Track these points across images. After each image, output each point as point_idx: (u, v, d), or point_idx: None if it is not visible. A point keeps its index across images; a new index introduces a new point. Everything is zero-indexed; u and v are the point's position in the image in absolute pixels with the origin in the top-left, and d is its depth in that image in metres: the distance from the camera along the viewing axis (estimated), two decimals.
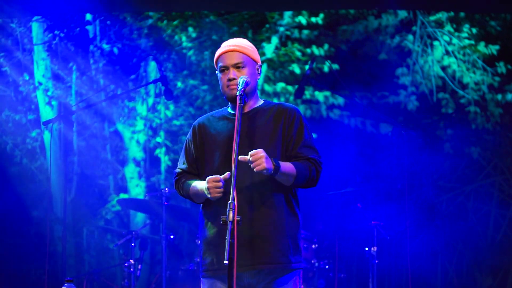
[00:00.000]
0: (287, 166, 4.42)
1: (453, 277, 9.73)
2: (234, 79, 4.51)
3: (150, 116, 9.84)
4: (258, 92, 4.72)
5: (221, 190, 4.33)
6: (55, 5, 8.47)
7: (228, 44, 4.62)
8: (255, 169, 4.26)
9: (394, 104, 9.72)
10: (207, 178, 4.35)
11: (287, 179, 4.45)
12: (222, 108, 4.77)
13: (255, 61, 4.62)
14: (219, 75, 4.60)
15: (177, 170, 4.72)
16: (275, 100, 9.36)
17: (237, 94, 4.39)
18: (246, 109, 4.60)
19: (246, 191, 4.41)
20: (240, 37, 4.79)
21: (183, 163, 4.69)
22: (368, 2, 8.93)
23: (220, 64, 4.58)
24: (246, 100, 4.49)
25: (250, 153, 4.26)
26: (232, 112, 4.61)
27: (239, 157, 4.24)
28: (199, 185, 4.48)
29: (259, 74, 4.67)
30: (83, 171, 10.01)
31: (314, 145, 4.62)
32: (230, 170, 4.17)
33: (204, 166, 4.60)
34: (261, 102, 4.68)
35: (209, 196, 4.37)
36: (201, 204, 4.63)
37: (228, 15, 9.70)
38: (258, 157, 4.26)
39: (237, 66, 4.54)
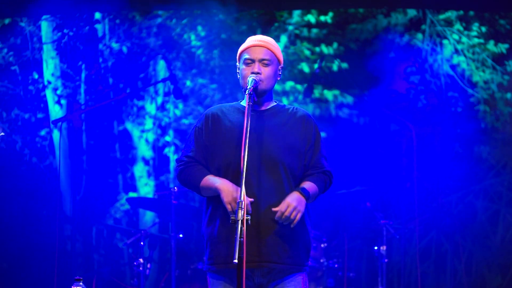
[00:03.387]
0: (312, 189, 4.50)
1: (462, 276, 9.72)
2: (258, 73, 4.50)
3: (159, 115, 9.85)
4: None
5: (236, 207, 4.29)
6: (64, 4, 8.49)
7: (258, 39, 4.61)
8: (296, 220, 4.35)
9: (403, 103, 9.70)
10: (235, 195, 4.32)
11: (312, 200, 4.54)
12: (234, 102, 4.75)
13: (279, 62, 4.63)
14: (242, 67, 4.57)
15: (185, 158, 4.61)
16: (284, 99, 9.36)
17: (246, 92, 4.38)
18: (262, 107, 4.60)
19: (256, 189, 4.40)
20: (249, 35, 4.78)
21: (191, 151, 4.61)
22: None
23: (246, 57, 4.56)
24: (255, 98, 4.48)
25: (281, 210, 4.33)
26: None
27: (276, 216, 4.35)
28: (218, 183, 4.42)
29: (280, 75, 4.67)
30: (92, 170, 10.03)
31: (326, 154, 4.66)
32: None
33: (215, 156, 4.55)
34: (274, 103, 4.68)
35: (223, 199, 4.36)
36: (208, 199, 4.60)
37: (237, 14, 9.69)
38: (292, 209, 4.34)
39: (264, 63, 4.53)
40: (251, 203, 4.29)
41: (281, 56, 4.65)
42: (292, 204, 4.32)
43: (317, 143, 4.62)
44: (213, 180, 4.46)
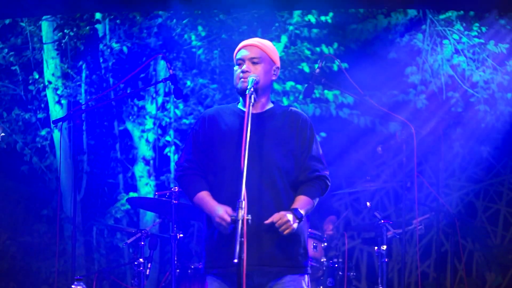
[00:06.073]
0: (306, 206, 4.50)
1: (462, 275, 9.73)
2: (247, 71, 4.51)
3: (159, 115, 9.85)
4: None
5: (226, 227, 4.35)
6: (65, 4, 8.48)
7: (249, 40, 4.65)
8: (284, 233, 4.34)
9: (404, 103, 9.70)
10: (221, 213, 4.36)
11: (309, 212, 4.54)
12: (231, 104, 4.76)
13: (273, 62, 4.62)
14: (235, 67, 4.60)
15: (184, 163, 4.64)
16: (284, 99, 9.35)
17: (247, 92, 4.37)
18: (259, 109, 4.59)
19: (256, 191, 4.41)
20: (249, 35, 4.80)
21: (190, 154, 4.64)
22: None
23: (237, 57, 4.59)
24: (256, 99, 4.47)
25: (274, 218, 4.34)
26: (243, 109, 4.58)
27: (267, 221, 4.35)
28: (209, 204, 4.47)
29: (275, 75, 4.65)
30: (93, 170, 10.04)
31: (322, 156, 4.66)
32: (238, 168, 4.11)
33: (211, 159, 4.56)
34: (271, 104, 4.68)
35: (215, 218, 4.41)
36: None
37: (237, 14, 9.68)
38: (284, 222, 4.33)
39: (253, 61, 4.55)
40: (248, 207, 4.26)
41: (274, 56, 4.64)
42: (286, 218, 4.35)
43: (310, 144, 4.60)
44: (206, 202, 4.51)
